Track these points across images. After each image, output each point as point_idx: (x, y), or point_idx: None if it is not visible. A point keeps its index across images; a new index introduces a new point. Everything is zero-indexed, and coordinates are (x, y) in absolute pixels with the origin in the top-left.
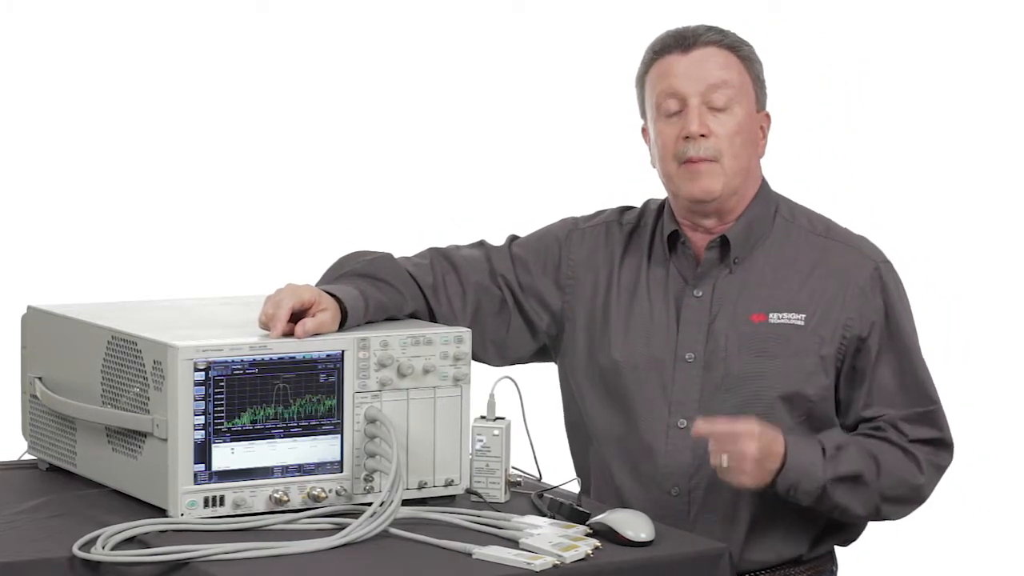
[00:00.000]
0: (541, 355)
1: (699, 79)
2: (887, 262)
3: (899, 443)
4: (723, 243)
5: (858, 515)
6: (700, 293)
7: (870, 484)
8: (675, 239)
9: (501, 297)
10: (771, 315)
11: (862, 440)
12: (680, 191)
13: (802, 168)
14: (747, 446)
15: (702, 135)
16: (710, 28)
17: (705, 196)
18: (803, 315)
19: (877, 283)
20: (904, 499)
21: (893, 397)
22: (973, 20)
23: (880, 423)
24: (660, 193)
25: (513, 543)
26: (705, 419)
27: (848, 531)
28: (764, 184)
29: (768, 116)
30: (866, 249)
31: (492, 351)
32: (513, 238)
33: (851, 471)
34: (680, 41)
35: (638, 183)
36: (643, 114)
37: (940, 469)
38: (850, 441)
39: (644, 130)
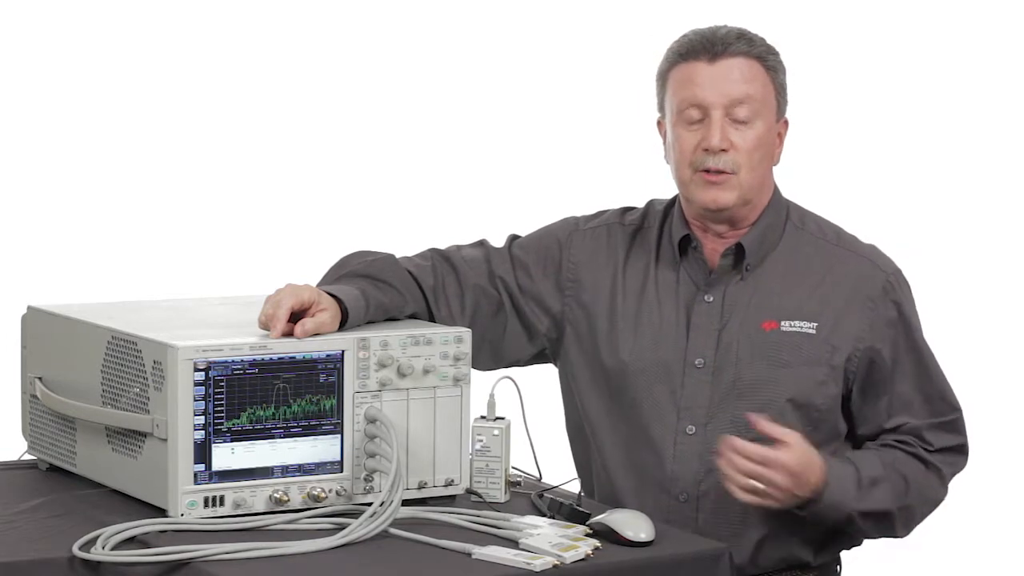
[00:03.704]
0: (538, 359)
1: (724, 92)
2: (897, 272)
3: (924, 457)
4: (738, 250)
5: (872, 538)
6: (711, 299)
7: (895, 520)
8: (686, 243)
9: (499, 299)
10: (783, 323)
11: (892, 459)
12: (693, 197)
13: (801, 169)
14: (777, 477)
15: (723, 149)
16: (740, 36)
17: (716, 207)
18: (815, 324)
19: (888, 295)
20: (924, 515)
21: (916, 407)
22: (974, 20)
23: (905, 434)
24: (661, 192)
25: (513, 543)
26: (743, 445)
27: (854, 537)
28: (776, 191)
29: (786, 122)
30: (877, 259)
31: (487, 353)
32: (514, 238)
33: (880, 508)
34: (708, 47)
35: (639, 183)
36: (660, 108)
37: (955, 476)
38: (885, 473)
39: (659, 123)
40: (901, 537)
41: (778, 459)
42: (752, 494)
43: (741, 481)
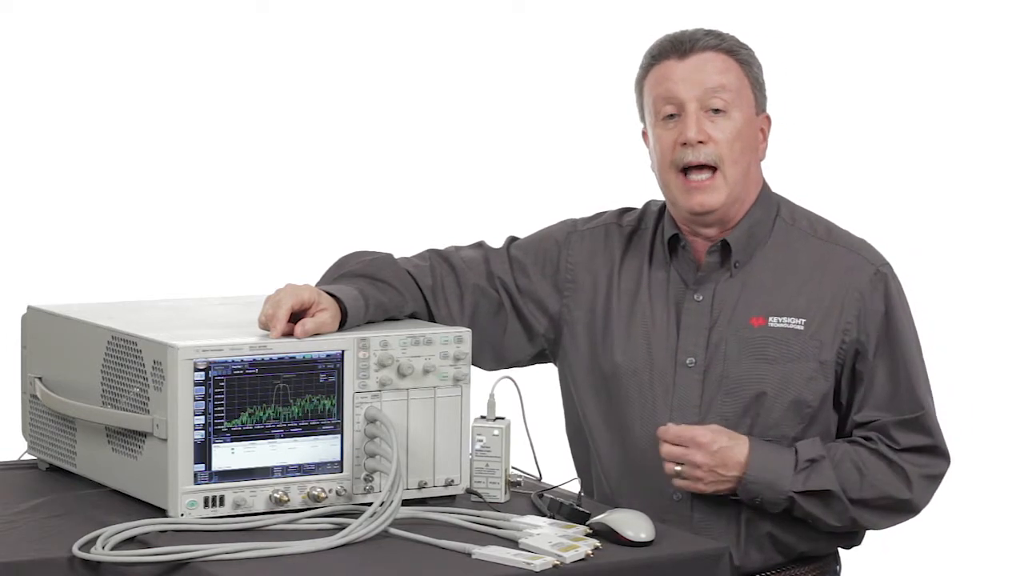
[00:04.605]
0: (539, 359)
1: (696, 84)
2: (887, 266)
3: (887, 455)
4: (723, 247)
5: (831, 526)
6: (700, 297)
7: (843, 499)
8: (675, 243)
9: (498, 300)
10: (771, 319)
11: (850, 450)
12: (678, 202)
13: (799, 169)
14: (695, 455)
15: (700, 141)
16: (708, 32)
17: (703, 210)
18: (803, 320)
19: (876, 287)
20: (890, 510)
21: (885, 402)
22: (973, 20)
23: (871, 431)
24: (661, 195)
25: (513, 543)
26: (665, 427)
27: (852, 535)
28: (765, 187)
29: (768, 118)
30: (866, 253)
31: (489, 354)
32: (512, 240)
33: (820, 487)
34: (678, 46)
35: (638, 184)
36: (642, 118)
37: (934, 479)
38: (829, 454)
39: (644, 133)
40: (860, 529)
41: (693, 437)
42: (679, 477)
43: (667, 467)
